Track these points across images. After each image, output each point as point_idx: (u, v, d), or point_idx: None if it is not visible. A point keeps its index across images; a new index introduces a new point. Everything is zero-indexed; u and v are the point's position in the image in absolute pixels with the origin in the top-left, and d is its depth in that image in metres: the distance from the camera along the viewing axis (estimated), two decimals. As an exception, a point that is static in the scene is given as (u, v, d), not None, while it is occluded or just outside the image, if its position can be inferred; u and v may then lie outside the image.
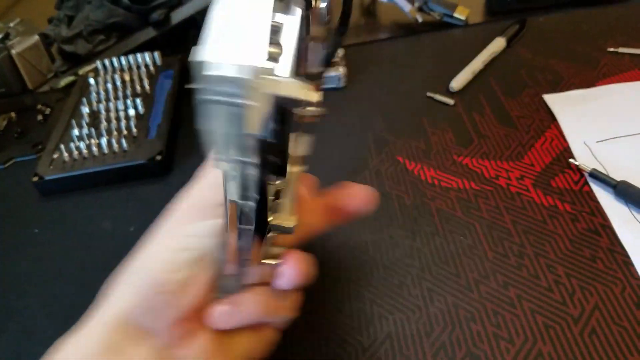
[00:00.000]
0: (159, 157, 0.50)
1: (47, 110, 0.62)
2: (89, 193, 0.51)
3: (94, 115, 0.56)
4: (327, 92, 0.58)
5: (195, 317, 0.27)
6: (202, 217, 0.27)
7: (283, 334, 0.30)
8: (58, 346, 0.26)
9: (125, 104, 0.56)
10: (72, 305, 0.41)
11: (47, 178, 0.49)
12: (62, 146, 0.51)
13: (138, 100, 0.55)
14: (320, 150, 0.51)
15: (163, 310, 0.26)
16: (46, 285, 0.43)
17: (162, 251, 0.27)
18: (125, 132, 0.52)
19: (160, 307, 0.26)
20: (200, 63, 0.17)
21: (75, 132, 0.53)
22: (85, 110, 0.56)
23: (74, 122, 0.54)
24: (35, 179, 0.50)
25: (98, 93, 0.58)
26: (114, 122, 0.54)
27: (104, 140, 0.51)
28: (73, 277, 0.43)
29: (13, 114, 0.62)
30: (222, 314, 0.27)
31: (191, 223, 0.28)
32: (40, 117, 0.61)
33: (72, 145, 0.51)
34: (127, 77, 0.60)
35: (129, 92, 0.58)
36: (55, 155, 0.51)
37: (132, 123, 0.53)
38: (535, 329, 0.34)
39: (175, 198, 0.30)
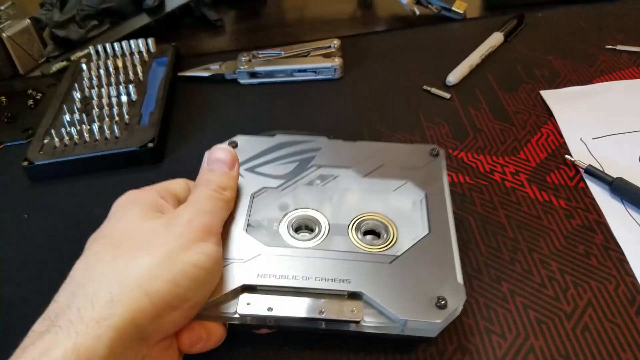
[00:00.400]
0: (151, 145, 0.49)
1: (38, 96, 0.61)
2: (80, 179, 0.50)
3: (86, 101, 0.55)
4: (322, 83, 0.57)
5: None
6: (208, 239, 0.31)
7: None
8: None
9: (117, 90, 0.55)
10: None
11: (37, 163, 0.49)
12: (52, 131, 0.50)
13: (131, 87, 0.55)
14: (309, 128, 0.51)
15: (165, 322, 0.28)
16: (34, 272, 0.42)
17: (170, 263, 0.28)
18: (117, 118, 0.52)
19: (165, 317, 0.27)
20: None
21: (67, 117, 0.52)
22: (77, 96, 0.55)
23: (65, 107, 0.53)
24: (25, 163, 0.49)
25: (90, 79, 0.57)
26: (106, 108, 0.53)
27: (95, 127, 0.50)
28: (62, 263, 0.43)
29: (3, 98, 0.61)
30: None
31: (203, 241, 0.30)
32: (31, 102, 0.60)
33: (63, 130, 0.51)
34: (120, 64, 0.59)
35: (121, 78, 0.57)
36: (45, 141, 0.50)
37: (125, 110, 0.52)
38: (528, 324, 0.34)
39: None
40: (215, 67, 0.60)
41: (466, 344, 0.33)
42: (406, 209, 0.36)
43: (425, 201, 0.36)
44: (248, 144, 0.40)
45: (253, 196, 0.37)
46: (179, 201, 0.35)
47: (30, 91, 0.61)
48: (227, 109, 0.56)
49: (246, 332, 0.34)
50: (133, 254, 0.28)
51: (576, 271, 0.36)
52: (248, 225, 0.35)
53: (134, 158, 0.49)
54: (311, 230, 0.35)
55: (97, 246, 0.30)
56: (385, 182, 0.37)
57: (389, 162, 0.39)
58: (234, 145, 0.40)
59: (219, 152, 0.35)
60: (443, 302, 0.30)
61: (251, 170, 0.39)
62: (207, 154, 0.36)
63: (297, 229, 0.35)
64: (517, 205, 0.41)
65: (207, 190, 0.33)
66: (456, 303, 0.30)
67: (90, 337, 0.24)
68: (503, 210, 0.41)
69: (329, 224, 0.35)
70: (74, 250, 0.44)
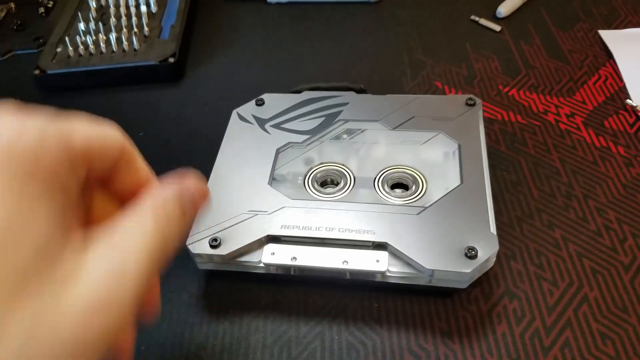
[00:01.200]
0: (171, 60, 0.45)
1: (50, 4, 0.56)
2: (94, 92, 0.46)
3: (102, 10, 0.50)
4: (359, 6, 0.52)
5: None
6: None
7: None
8: None
9: (136, 0, 0.50)
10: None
11: (49, 72, 0.45)
12: (67, 39, 0.46)
13: (151, -3, 0.50)
14: (349, 64, 0.47)
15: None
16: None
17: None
18: (135, 30, 0.47)
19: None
20: None
21: (82, 26, 0.48)
22: (93, 4, 0.51)
23: (80, 15, 0.49)
24: (37, 72, 0.45)
25: (107, -13, 0.53)
26: (124, 18, 0.49)
27: (112, 37, 0.46)
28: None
29: (12, 5, 0.57)
30: None
31: None
32: (42, 10, 0.55)
33: (78, 39, 0.47)
34: (139, -28, 0.54)
35: (141, -12, 0.52)
36: (59, 49, 0.46)
37: (144, 21, 0.48)
38: (582, 273, 0.31)
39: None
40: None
41: (514, 289, 0.31)
42: (437, 161, 0.34)
43: (458, 152, 0.33)
44: (275, 101, 0.39)
45: (278, 151, 0.35)
46: (97, 176, 0.18)
47: (41, -2, 0.57)
48: (253, 28, 0.52)
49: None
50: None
51: (635, 222, 0.33)
52: (273, 179, 0.34)
53: (153, 73, 0.45)
54: (336, 183, 0.34)
55: None
56: (415, 134, 0.35)
57: (420, 114, 0.36)
58: (260, 102, 0.38)
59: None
60: (473, 252, 0.28)
61: (277, 126, 0.37)
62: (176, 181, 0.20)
63: (322, 183, 0.34)
64: (572, 149, 0.38)
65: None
66: (487, 253, 0.28)
67: None
68: (557, 154, 0.38)
69: (354, 177, 0.33)
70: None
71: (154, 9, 0.50)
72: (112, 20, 0.48)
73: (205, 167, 0.39)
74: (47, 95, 0.47)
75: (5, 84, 0.49)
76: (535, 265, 0.32)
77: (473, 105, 0.36)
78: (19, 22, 0.54)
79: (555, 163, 0.37)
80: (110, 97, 0.46)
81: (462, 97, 0.37)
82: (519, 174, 0.37)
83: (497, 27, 0.48)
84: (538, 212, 0.34)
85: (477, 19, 0.49)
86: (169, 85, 0.46)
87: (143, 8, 0.49)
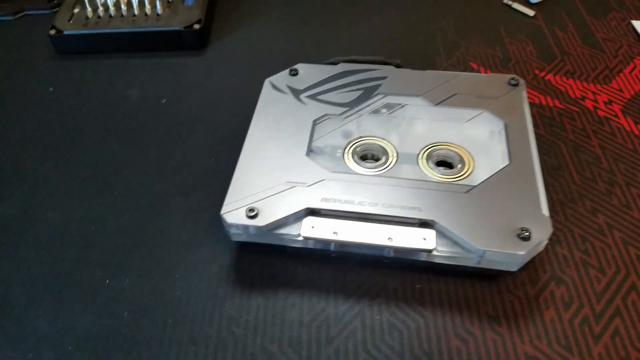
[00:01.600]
0: (196, 26, 0.43)
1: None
2: (112, 57, 0.44)
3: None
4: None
5: None
6: None
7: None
8: None
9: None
10: (91, 170, 0.36)
11: (66, 33, 0.43)
12: (85, 0, 0.44)
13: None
14: (382, 40, 0.45)
15: None
16: (61, 148, 0.38)
17: None
18: (156, -6, 0.45)
19: None
20: None
21: (98, -13, 0.46)
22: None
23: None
24: (53, 32, 0.43)
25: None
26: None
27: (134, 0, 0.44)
28: (92, 142, 0.38)
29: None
30: None
31: None
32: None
33: (97, 0, 0.44)
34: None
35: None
36: (76, 10, 0.44)
37: (167, -14, 0.46)
38: (629, 261, 0.30)
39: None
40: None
41: (561, 274, 0.29)
42: (483, 139, 0.32)
43: (504, 131, 0.32)
44: (309, 72, 0.37)
45: (315, 123, 0.34)
46: None
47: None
48: (281, -2, 0.50)
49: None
50: None
51: (678, 212, 0.33)
52: (310, 151, 0.32)
53: (177, 40, 0.43)
54: (377, 159, 0.32)
55: None
56: (459, 111, 0.34)
57: (463, 91, 0.35)
58: (294, 73, 0.37)
59: None
60: (527, 233, 0.26)
61: (312, 97, 0.35)
62: None
63: (362, 157, 0.33)
64: (611, 136, 0.37)
65: None
66: (541, 235, 0.27)
67: None
68: (597, 140, 0.37)
69: (396, 152, 0.32)
70: (106, 131, 0.39)
71: (176, -26, 0.47)
72: (132, -17, 0.46)
73: (232, 136, 0.37)
74: (61, 57, 0.44)
75: (17, 45, 0.46)
76: (580, 251, 0.31)
77: (516, 85, 0.35)
78: (29, -19, 0.52)
79: (596, 149, 0.36)
80: (128, 62, 0.44)
81: (505, 77, 0.35)
82: (560, 158, 0.35)
83: (531, 12, 0.47)
84: (580, 198, 0.33)
85: (509, 3, 0.48)
86: (192, 53, 0.44)
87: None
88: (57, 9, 0.46)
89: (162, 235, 0.32)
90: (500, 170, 0.30)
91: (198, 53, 0.44)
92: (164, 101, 0.39)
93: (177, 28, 0.43)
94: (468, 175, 0.30)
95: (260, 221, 0.28)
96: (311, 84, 0.36)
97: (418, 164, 0.31)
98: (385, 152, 0.32)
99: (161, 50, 0.44)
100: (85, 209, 0.34)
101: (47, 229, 0.33)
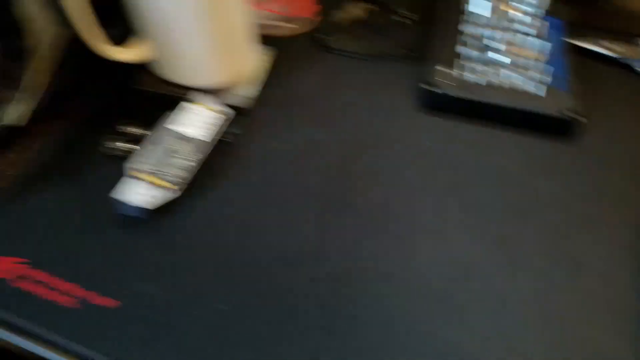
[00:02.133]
0: (575, 115, 0.42)
1: (414, 17, 0.56)
2: (471, 123, 0.44)
3: (480, 40, 0.49)
4: None
5: None
6: None
7: None
8: None
9: (519, 39, 0.48)
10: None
11: (435, 91, 0.44)
12: (460, 62, 0.45)
13: (531, 39, 0.48)
14: None
15: None
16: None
17: None
18: (529, 72, 0.45)
19: None
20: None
21: (464, 51, 0.47)
22: (471, 30, 0.49)
23: (461, 38, 0.48)
24: (425, 86, 0.44)
25: (480, 15, 0.51)
26: (512, 55, 0.47)
27: (504, 73, 0.44)
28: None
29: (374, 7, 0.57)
30: None
31: None
32: (403, 20, 0.55)
33: (466, 64, 0.45)
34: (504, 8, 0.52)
35: (517, 26, 0.50)
36: (449, 70, 0.45)
37: (531, 64, 0.46)
38: None
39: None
40: (612, 46, 0.52)
41: None
42: None
43: None
44: None
45: None
46: None
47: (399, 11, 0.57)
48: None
49: None
50: None
51: None
52: None
53: (547, 124, 0.43)
54: None
55: None
56: None
57: None
58: None
59: None
60: None
61: None
62: None
63: None
64: None
65: None
66: None
67: None
68: None
69: None
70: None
71: (535, 52, 0.47)
72: (499, 55, 0.47)
73: None
74: (427, 112, 0.46)
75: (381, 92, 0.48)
76: None
77: None
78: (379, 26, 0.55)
79: None
80: (491, 133, 0.44)
81: None
82: None
83: None
84: None
85: None
86: (559, 140, 0.43)
87: (530, 52, 0.47)
88: (426, 62, 0.47)
89: None
90: None
91: (567, 141, 0.43)
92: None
93: (552, 113, 0.42)
94: None
95: None
96: None
97: None
98: None
99: (524, 128, 0.44)
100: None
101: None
